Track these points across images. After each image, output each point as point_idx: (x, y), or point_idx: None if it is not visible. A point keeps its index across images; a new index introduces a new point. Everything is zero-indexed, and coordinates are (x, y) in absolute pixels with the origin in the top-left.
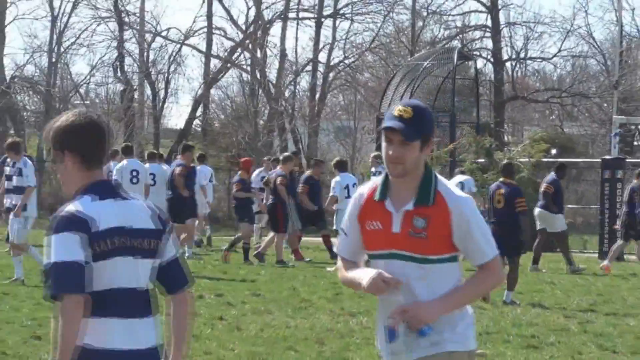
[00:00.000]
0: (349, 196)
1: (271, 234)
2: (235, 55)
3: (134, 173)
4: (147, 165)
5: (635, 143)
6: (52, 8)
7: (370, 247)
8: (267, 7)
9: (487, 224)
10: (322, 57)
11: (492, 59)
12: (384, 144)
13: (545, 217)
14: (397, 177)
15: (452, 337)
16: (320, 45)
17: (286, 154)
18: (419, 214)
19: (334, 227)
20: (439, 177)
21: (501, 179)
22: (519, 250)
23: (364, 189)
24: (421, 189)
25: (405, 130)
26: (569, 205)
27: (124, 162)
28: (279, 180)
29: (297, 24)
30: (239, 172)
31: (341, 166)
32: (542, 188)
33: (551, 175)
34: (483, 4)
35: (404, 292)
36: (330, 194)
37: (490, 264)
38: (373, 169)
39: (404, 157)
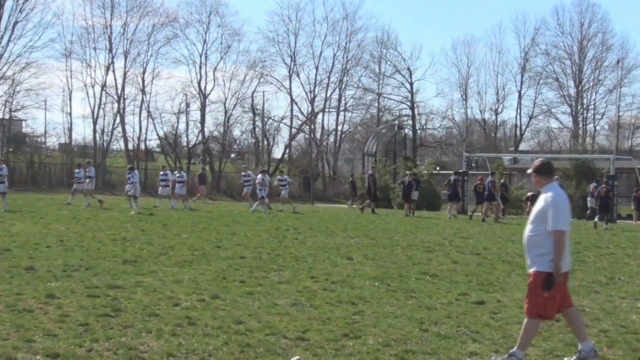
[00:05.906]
0: None
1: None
2: (302, 126)
3: None
4: None
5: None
6: None
7: None
8: (316, 106)
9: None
10: (340, 127)
11: (411, 129)
12: None
13: None
14: None
15: None
16: (340, 120)
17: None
18: None
19: None
20: None
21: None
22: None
23: None
24: None
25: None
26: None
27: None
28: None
29: (329, 113)
30: None
31: None
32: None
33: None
34: (410, 107)
35: None
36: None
37: None
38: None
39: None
